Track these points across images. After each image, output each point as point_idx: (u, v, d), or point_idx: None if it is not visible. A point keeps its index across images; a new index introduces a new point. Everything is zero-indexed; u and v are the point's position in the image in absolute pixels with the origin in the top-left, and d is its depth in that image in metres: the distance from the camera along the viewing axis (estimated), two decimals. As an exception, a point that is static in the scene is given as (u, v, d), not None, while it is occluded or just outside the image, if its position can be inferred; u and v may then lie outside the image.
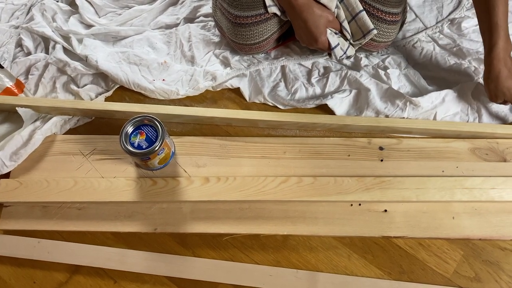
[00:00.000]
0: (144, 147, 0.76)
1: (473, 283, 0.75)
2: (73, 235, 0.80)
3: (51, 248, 0.78)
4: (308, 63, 0.96)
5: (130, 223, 0.79)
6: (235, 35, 0.88)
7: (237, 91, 0.95)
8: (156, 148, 0.75)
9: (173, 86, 0.93)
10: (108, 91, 0.95)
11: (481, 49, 0.95)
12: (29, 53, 1.00)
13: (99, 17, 1.04)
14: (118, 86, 0.95)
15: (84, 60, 0.95)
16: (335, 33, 0.87)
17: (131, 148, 0.76)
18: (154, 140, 0.76)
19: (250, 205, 0.80)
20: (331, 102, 0.89)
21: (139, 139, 0.77)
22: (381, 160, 0.84)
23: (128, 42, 0.99)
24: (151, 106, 0.88)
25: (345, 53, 0.89)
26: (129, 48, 0.98)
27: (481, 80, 0.90)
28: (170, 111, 0.87)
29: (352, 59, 0.96)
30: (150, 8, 1.04)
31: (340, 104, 0.90)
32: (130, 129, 0.78)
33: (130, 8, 1.05)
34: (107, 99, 0.95)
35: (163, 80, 0.94)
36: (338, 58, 0.89)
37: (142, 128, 0.78)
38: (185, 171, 0.83)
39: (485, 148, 0.84)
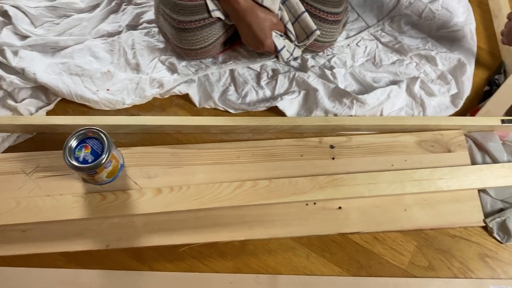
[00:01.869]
0: (90, 161, 0.73)
1: (427, 272, 0.78)
2: (18, 259, 0.75)
3: (-6, 275, 0.74)
4: (256, 66, 0.96)
5: (81, 241, 0.76)
6: (180, 41, 0.86)
7: (186, 97, 0.93)
8: (103, 161, 0.73)
9: (119, 96, 0.90)
10: (49, 104, 0.90)
11: (421, 44, 0.98)
12: (-42, 69, 0.93)
13: (35, 28, 0.99)
14: (60, 98, 0.91)
15: (21, 73, 0.90)
16: (280, 36, 0.87)
17: (76, 163, 0.73)
18: (100, 153, 0.74)
19: (206, 213, 0.79)
20: (281, 104, 0.89)
21: (84, 153, 0.74)
22: (333, 158, 0.85)
23: (68, 52, 0.95)
24: (96, 118, 0.85)
25: (291, 54, 0.90)
26: (69, 58, 0.94)
27: (423, 76, 0.93)
28: (116, 121, 0.85)
29: (299, 61, 0.97)
30: (90, 17, 1.00)
31: (290, 105, 0.90)
32: (74, 143, 0.75)
33: (68, 17, 1.00)
34: (49, 113, 0.90)
35: (108, 90, 0.91)
36: (285, 60, 0.90)
37: (87, 141, 0.75)
38: (136, 183, 0.81)
39: (430, 140, 0.87)
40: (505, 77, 0.94)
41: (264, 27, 0.83)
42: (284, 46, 0.87)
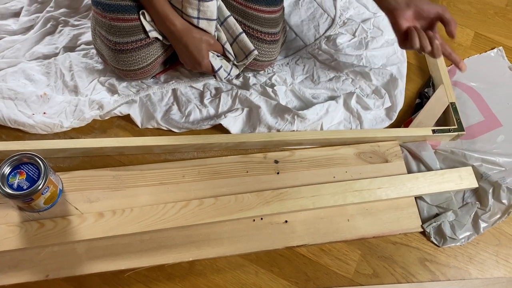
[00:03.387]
0: (25, 187, 0.70)
1: (372, 279, 0.80)
2: None
3: None
4: (199, 85, 0.97)
5: (17, 274, 0.72)
6: (117, 62, 0.85)
7: (127, 118, 0.92)
8: (40, 187, 0.70)
9: (56, 119, 0.87)
10: (-21, 130, 0.86)
11: (355, 61, 1.03)
12: None
13: (-36, 51, 0.94)
14: (-9, 124, 0.87)
15: None
16: (218, 56, 0.89)
17: (9, 191, 0.69)
18: (37, 179, 0.71)
19: (151, 236, 0.77)
20: (225, 122, 0.90)
21: (18, 180, 0.71)
22: (278, 173, 0.86)
23: (0, 75, 0.91)
24: (32, 143, 0.82)
25: (229, 74, 0.91)
26: (1, 82, 0.90)
27: (358, 91, 0.98)
28: (53, 145, 0.81)
29: (241, 79, 0.98)
30: (24, 39, 0.97)
31: (234, 122, 0.91)
32: (7, 169, 0.71)
33: (0, 39, 0.96)
34: (-21, 140, 0.86)
35: (44, 113, 0.87)
36: (223, 79, 0.92)
37: (22, 167, 0.72)
38: (76, 208, 0.78)
39: (368, 152, 0.91)
40: (434, 90, 1.00)
41: (201, 48, 0.84)
42: (221, 66, 0.89)
